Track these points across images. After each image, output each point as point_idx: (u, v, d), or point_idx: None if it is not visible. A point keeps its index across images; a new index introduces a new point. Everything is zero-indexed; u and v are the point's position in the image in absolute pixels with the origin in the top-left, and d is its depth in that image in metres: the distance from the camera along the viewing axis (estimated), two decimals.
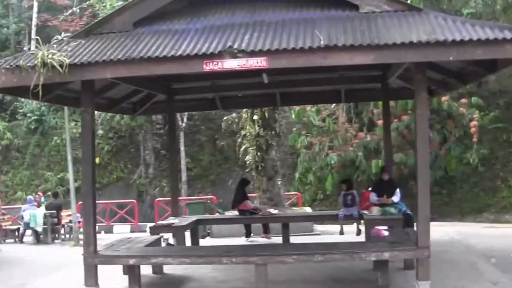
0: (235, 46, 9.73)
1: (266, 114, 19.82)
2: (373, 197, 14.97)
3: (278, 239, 16.65)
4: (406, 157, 24.53)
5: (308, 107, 25.13)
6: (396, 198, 14.77)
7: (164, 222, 15.64)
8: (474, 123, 24.60)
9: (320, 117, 25.45)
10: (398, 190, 14.95)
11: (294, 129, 27.00)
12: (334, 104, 25.49)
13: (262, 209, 17.13)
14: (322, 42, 9.40)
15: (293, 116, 25.53)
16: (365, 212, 14.99)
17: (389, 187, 14.93)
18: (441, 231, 17.18)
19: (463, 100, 25.25)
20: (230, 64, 9.77)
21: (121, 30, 11.22)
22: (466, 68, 12.68)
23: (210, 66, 9.85)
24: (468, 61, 11.51)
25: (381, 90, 15.68)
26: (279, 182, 20.57)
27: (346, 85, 16.17)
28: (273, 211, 17.25)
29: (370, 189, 15.81)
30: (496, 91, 28.86)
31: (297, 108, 25.15)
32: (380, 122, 24.24)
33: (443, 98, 24.45)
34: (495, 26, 9.59)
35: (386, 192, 14.84)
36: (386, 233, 12.18)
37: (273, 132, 20.10)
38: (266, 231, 17.15)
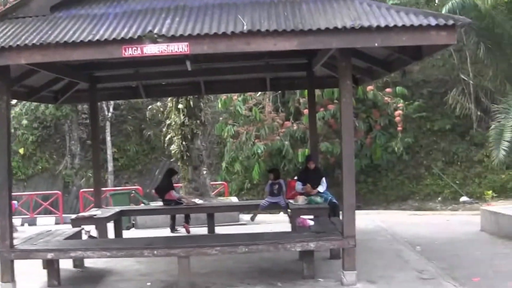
0: (155, 31, 9.29)
1: (191, 103, 19.30)
2: (298, 186, 14.68)
3: (203, 230, 16.19)
4: (332, 146, 24.42)
5: (235, 96, 24.77)
6: (322, 187, 14.50)
7: (86, 213, 15.07)
8: (398, 112, 24.67)
9: (246, 106, 25.10)
10: (324, 179, 14.69)
11: (221, 118, 26.58)
12: (261, 93, 25.21)
13: (187, 199, 16.67)
14: (245, 27, 9.04)
15: (220, 105, 25.11)
16: (291, 201, 14.69)
17: (315, 176, 14.65)
18: (367, 220, 17.03)
19: (388, 90, 25.31)
20: (150, 49, 9.30)
21: (38, 14, 10.59)
22: (391, 56, 12.50)
23: (129, 52, 9.36)
24: (393, 49, 11.33)
25: (306, 79, 15.39)
26: (204, 172, 20.10)
27: (272, 73, 15.85)
28: (198, 201, 16.82)
29: (296, 178, 15.52)
30: (419, 81, 29.11)
31: (223, 97, 24.77)
32: (306, 111, 24.01)
33: (368, 88, 24.42)
34: (420, 12, 9.38)
35: (312, 181, 14.55)
36: (311, 222, 11.87)
37: (198, 121, 19.58)
38: (187, 221, 16.67)
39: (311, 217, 13.38)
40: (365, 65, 14.04)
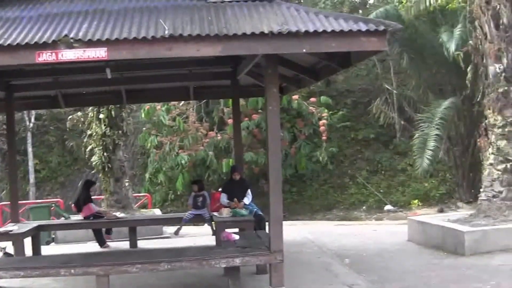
0: (72, 35, 8.56)
1: (113, 112, 18.56)
2: (223, 198, 14.11)
3: (126, 244, 15.46)
4: (256, 156, 23.96)
5: (158, 106, 24.05)
6: (247, 199, 13.95)
7: (1, 229, 14.15)
8: (323, 121, 24.43)
9: (170, 116, 24.39)
10: (249, 191, 14.13)
11: (144, 128, 25.78)
12: (184, 103, 24.62)
13: (107, 212, 15.88)
14: (166, 32, 8.41)
15: (143, 115, 24.35)
16: (215, 214, 14.11)
17: (240, 188, 14.10)
18: (293, 231, 16.58)
19: (312, 99, 25.08)
20: (66, 55, 8.55)
21: None
22: (319, 64, 12.07)
23: (43, 57, 8.59)
24: (321, 55, 10.89)
25: (231, 87, 14.84)
26: (126, 184, 19.34)
27: (195, 81, 15.23)
28: (119, 214, 16.07)
29: (220, 189, 14.94)
30: (343, 91, 29.02)
31: (146, 107, 24.05)
32: (230, 121, 23.56)
33: (293, 97, 24.08)
34: (350, 18, 8.92)
35: (237, 193, 14.00)
36: (236, 236, 11.30)
37: (120, 132, 18.86)
38: (109, 232, 15.87)
39: (237, 230, 12.82)
40: (291, 73, 13.60)
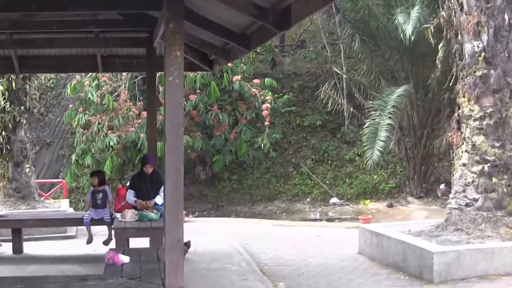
0: None
1: (14, 84, 14.48)
2: (129, 195, 10.37)
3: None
4: (193, 140, 20.43)
5: (87, 82, 20.06)
6: (160, 198, 10.22)
7: None
8: (266, 105, 20.63)
9: (99, 93, 20.36)
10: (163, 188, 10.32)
11: (71, 105, 21.77)
12: (116, 79, 20.72)
13: None
14: None
15: (69, 91, 20.34)
16: (118, 216, 10.27)
17: (152, 184, 10.45)
18: (221, 235, 12.83)
19: (256, 81, 21.35)
20: None
21: None
22: (251, 26, 8.27)
23: None
24: (252, 11, 7.06)
25: (146, 58, 11.00)
26: (27, 169, 15.27)
27: (104, 49, 11.36)
28: (0, 211, 12.08)
29: (128, 184, 11.07)
30: (290, 74, 25.55)
31: (73, 82, 20.09)
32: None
33: (234, 78, 20.41)
34: None
35: (147, 190, 10.33)
36: (126, 259, 7.42)
37: (22, 108, 14.83)
38: None
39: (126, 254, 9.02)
40: (219, 41, 9.83)
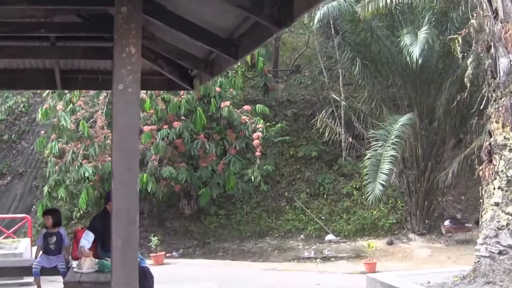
0: None
1: None
2: (86, 238, 8.07)
3: None
4: (176, 172, 18.22)
5: (59, 106, 17.84)
6: None
7: None
8: (257, 134, 18.37)
9: (74, 118, 18.10)
10: None
11: (42, 132, 19.53)
12: (92, 104, 18.58)
13: None
14: None
15: (39, 116, 18.12)
16: (75, 265, 7.99)
17: None
18: (201, 285, 10.41)
19: (246, 107, 19.08)
20: None
21: None
22: (240, 29, 6.07)
23: None
24: (246, 7, 4.89)
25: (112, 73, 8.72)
26: None
27: (63, 61, 9.11)
28: None
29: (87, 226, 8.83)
30: (284, 101, 23.51)
31: (45, 106, 17.93)
32: (146, 128, 17.72)
33: (223, 104, 18.31)
34: None
35: (111, 233, 7.87)
36: None
37: None
38: None
39: None
40: (201, 51, 7.60)
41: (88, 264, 7.76)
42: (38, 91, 20.48)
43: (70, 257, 8.65)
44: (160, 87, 11.08)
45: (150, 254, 16.87)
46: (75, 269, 7.81)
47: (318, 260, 17.19)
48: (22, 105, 21.28)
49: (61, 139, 18.39)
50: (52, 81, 9.81)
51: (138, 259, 7.82)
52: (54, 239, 8.59)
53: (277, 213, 20.87)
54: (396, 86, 20.00)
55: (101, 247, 8.13)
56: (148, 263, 16.20)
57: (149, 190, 17.67)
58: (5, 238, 14.93)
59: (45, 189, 19.01)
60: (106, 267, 7.61)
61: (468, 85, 13.01)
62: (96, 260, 7.85)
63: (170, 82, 9.55)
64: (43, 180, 21.14)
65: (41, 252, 8.69)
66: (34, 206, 20.58)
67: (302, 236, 19.94)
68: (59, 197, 18.95)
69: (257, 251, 19.18)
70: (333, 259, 17.65)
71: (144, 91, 17.96)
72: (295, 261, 17.47)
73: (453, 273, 9.14)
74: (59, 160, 18.56)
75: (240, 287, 10.89)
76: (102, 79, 9.67)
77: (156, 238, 17.20)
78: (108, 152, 18.23)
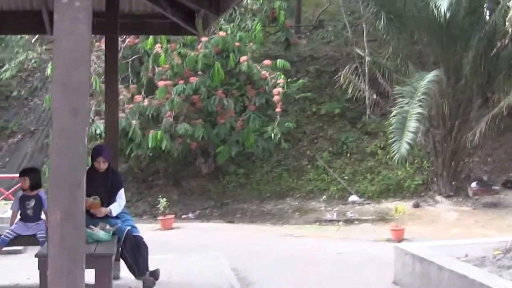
0: None
1: None
2: None
3: None
4: (193, 129, 17.08)
5: None
6: (116, 207, 6.88)
7: None
8: (277, 90, 17.17)
9: None
10: (121, 192, 7.01)
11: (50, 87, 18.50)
12: (103, 59, 17.44)
13: None
14: None
15: (49, 71, 17.16)
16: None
17: (106, 185, 7.00)
18: (211, 253, 9.31)
19: (267, 62, 17.80)
20: None
21: None
22: None
23: None
24: None
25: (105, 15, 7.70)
26: None
27: (51, 2, 8.04)
28: None
29: None
30: (306, 56, 22.22)
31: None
32: (161, 83, 16.63)
33: (242, 58, 17.06)
34: None
35: (99, 194, 6.87)
36: None
37: None
38: None
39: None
40: None
41: None
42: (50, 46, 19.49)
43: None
44: (162, 31, 10.03)
45: (158, 218, 15.91)
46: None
47: (340, 223, 16.11)
48: (33, 61, 20.24)
49: None
50: (40, 24, 8.71)
51: (129, 227, 6.79)
52: (32, 203, 7.45)
53: (298, 173, 19.75)
54: (422, 42, 18.80)
55: (87, 212, 7.08)
56: (155, 228, 15.35)
57: (163, 148, 16.61)
58: (2, 199, 13.97)
59: None
60: (90, 236, 6.49)
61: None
62: None
63: (173, 26, 8.48)
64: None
65: (18, 218, 7.60)
66: (44, 165, 19.69)
67: (324, 197, 18.83)
68: None
69: (277, 212, 18.10)
70: (356, 221, 16.55)
71: (160, 45, 16.94)
72: (317, 223, 16.36)
73: (492, 244, 7.93)
74: None
75: (253, 256, 9.78)
76: (97, 22, 8.55)
77: (164, 200, 16.03)
78: (121, 108, 17.23)
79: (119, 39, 17.36)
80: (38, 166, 20.00)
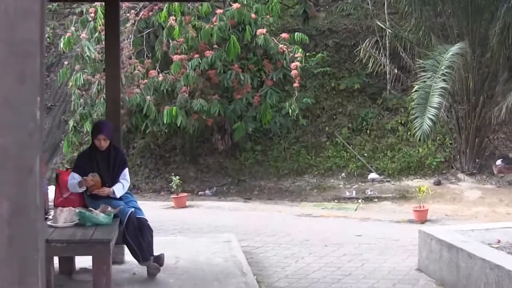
0: None
1: None
2: (72, 180, 6.41)
3: None
4: (209, 105, 16.49)
5: (83, 34, 16.24)
6: (120, 188, 6.32)
7: None
8: (295, 64, 16.48)
9: (98, 47, 16.50)
10: (125, 172, 6.46)
11: (66, 63, 18.00)
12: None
13: None
14: None
15: (61, 45, 16.59)
16: (51, 216, 6.42)
17: (108, 165, 6.48)
18: (222, 235, 8.74)
19: (284, 35, 17.11)
20: None
21: None
22: None
23: None
24: None
25: None
26: None
27: None
28: None
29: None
30: (325, 30, 21.50)
31: (68, 34, 16.40)
32: (176, 57, 16.05)
33: (259, 31, 16.43)
34: None
35: (101, 174, 6.29)
36: None
37: None
38: None
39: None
40: None
41: (65, 216, 6.08)
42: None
43: (47, 206, 6.97)
44: None
45: (171, 196, 15.41)
46: (49, 223, 6.14)
47: (360, 201, 15.53)
48: (47, 36, 19.68)
49: (85, 71, 16.87)
50: None
51: (133, 209, 6.24)
52: None
53: (316, 149, 19.08)
54: (445, 14, 17.99)
55: (88, 193, 6.53)
56: (169, 205, 14.86)
57: (178, 124, 16.05)
58: None
59: (70, 123, 17.66)
60: (89, 219, 5.96)
61: None
62: (77, 210, 6.17)
63: None
64: (71, 114, 19.74)
65: None
66: (62, 142, 19.24)
67: (343, 174, 18.18)
68: (85, 132, 17.58)
69: (295, 189, 17.56)
70: (376, 199, 16.02)
71: (174, 18, 16.33)
72: (335, 201, 15.80)
73: None
74: (84, 92, 17.10)
75: (265, 239, 9.22)
76: None
77: (177, 178, 15.57)
78: (136, 84, 16.68)
79: (133, 12, 16.90)
80: (57, 142, 19.67)
